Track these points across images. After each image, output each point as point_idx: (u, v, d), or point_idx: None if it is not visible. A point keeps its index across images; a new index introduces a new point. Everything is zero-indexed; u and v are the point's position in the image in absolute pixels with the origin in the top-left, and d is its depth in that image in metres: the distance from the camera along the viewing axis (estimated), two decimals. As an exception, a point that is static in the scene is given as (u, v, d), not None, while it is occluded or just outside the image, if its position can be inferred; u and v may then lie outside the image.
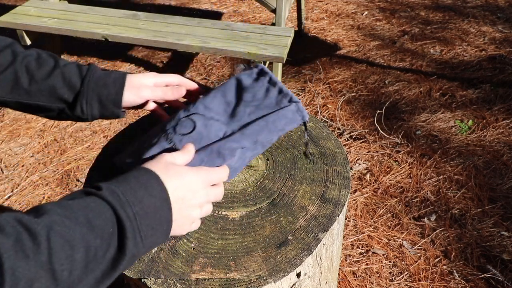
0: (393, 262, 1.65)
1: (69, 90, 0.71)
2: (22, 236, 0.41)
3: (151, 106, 0.78)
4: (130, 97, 0.74)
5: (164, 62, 2.94)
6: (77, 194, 0.49)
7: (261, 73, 0.76)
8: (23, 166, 2.13)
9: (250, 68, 0.78)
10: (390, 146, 2.17)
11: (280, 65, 2.18)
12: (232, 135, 0.70)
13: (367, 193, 1.93)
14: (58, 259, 0.42)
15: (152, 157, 0.69)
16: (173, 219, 0.54)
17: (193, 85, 0.81)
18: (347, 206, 1.80)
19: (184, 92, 0.79)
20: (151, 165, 0.56)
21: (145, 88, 0.75)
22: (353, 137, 2.24)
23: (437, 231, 1.75)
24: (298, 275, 0.67)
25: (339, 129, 2.29)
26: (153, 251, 0.67)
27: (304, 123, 0.74)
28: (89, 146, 2.25)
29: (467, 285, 1.56)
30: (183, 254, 0.66)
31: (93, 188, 0.49)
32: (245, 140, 0.70)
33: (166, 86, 0.80)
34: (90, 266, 0.44)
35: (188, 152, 0.65)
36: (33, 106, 0.72)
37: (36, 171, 2.10)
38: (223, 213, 0.73)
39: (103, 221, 0.46)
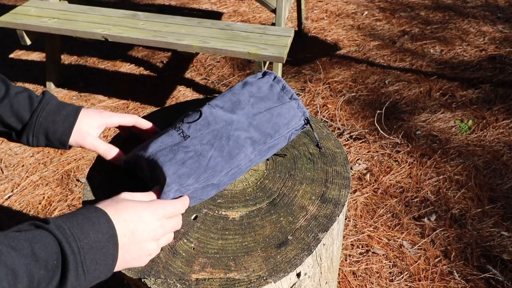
0: (393, 262, 1.65)
1: (16, 119, 0.73)
2: None
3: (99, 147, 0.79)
4: (73, 140, 0.75)
5: (164, 62, 2.94)
6: (26, 226, 0.50)
7: (267, 73, 0.85)
8: (23, 166, 2.13)
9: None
10: (390, 146, 2.17)
11: (280, 65, 2.18)
12: (239, 124, 0.75)
13: (367, 193, 1.93)
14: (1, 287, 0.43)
15: (161, 146, 0.70)
16: (120, 254, 0.55)
17: (148, 125, 0.83)
18: (347, 206, 1.80)
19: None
20: (101, 204, 0.58)
21: (90, 139, 0.76)
22: (353, 137, 2.24)
23: (437, 231, 1.75)
24: (298, 275, 0.67)
25: (339, 129, 2.29)
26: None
27: (307, 119, 0.81)
28: (89, 146, 2.25)
29: (467, 285, 1.56)
30: (183, 254, 0.66)
31: (41, 222, 0.51)
32: (253, 130, 0.75)
33: (119, 126, 0.82)
34: None
35: (150, 194, 0.66)
36: None
37: (36, 171, 2.10)
38: (223, 213, 0.73)
39: (48, 254, 0.48)
